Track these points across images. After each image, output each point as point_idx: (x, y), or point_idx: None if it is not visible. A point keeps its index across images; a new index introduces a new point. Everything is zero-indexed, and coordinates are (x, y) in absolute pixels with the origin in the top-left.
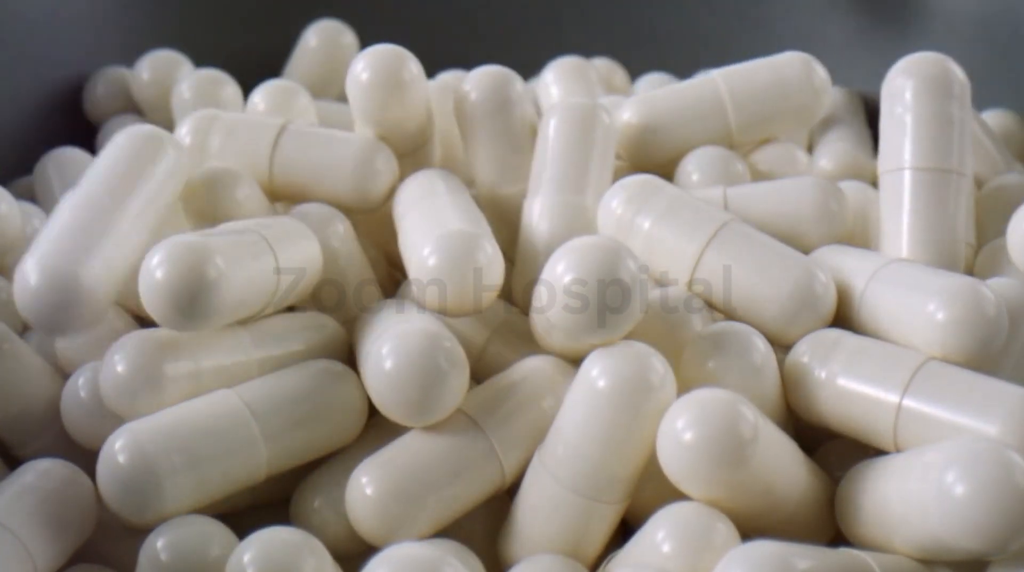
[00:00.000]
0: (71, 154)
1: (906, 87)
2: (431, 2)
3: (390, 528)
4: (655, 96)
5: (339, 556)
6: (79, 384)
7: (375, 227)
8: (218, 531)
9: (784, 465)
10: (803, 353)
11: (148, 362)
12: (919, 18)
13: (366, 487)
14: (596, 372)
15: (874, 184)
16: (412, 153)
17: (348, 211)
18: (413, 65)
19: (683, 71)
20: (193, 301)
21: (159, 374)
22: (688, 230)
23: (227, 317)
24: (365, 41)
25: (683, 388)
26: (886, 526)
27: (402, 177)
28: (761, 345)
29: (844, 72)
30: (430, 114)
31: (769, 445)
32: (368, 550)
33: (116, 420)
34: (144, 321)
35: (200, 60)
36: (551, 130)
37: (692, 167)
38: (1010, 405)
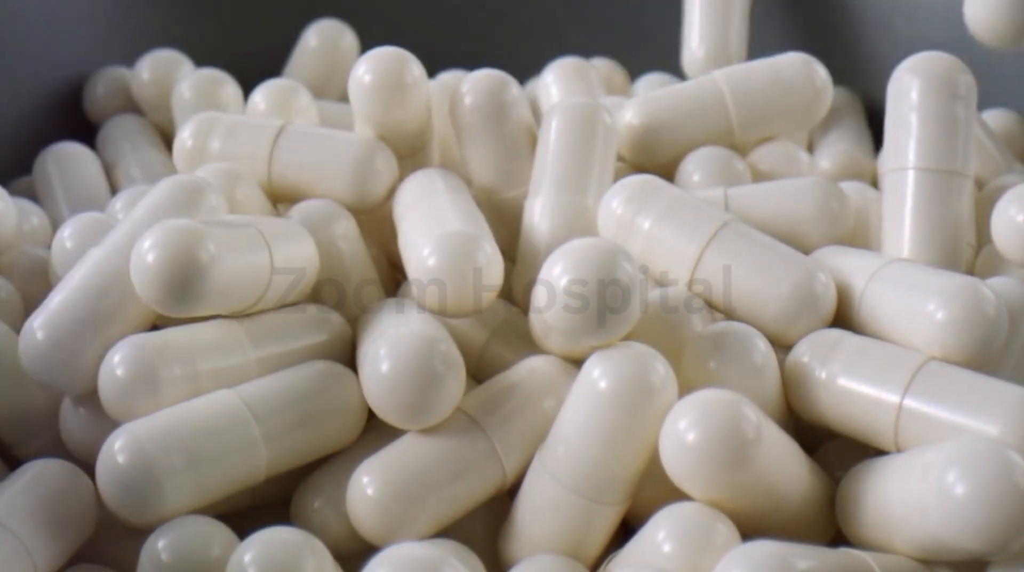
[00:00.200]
0: (71, 149)
1: (912, 86)
2: (431, 2)
3: (391, 528)
4: (656, 96)
5: (340, 556)
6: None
7: (375, 227)
8: (219, 531)
9: (786, 465)
10: (803, 353)
11: (147, 365)
12: (919, 18)
13: (367, 487)
14: (597, 373)
15: (874, 184)
16: (412, 155)
17: (348, 211)
18: (415, 68)
19: (683, 71)
20: (185, 283)
21: (157, 377)
22: (688, 230)
23: (218, 302)
24: (365, 41)
25: (683, 388)
26: (886, 526)
27: (402, 178)
28: (762, 345)
29: (844, 72)
30: (431, 116)
31: (771, 446)
32: (369, 550)
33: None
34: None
35: (200, 60)
36: (552, 130)
37: (693, 167)
38: (1010, 405)
